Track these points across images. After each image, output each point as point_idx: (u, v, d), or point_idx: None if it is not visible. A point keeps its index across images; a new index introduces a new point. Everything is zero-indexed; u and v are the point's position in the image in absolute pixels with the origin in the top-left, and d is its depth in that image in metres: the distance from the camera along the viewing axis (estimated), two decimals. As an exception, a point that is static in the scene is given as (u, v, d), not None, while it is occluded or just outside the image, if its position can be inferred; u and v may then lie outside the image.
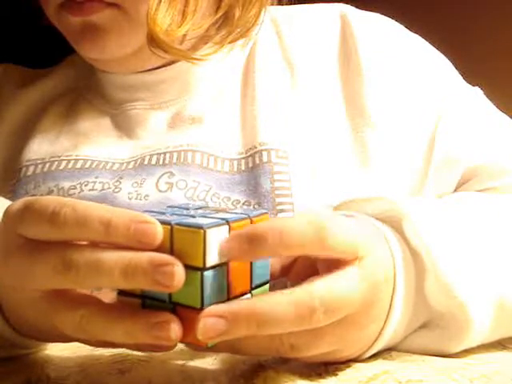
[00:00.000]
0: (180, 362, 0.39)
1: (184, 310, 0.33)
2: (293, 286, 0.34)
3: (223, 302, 0.33)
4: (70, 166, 0.60)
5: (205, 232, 0.32)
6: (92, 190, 0.58)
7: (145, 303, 0.34)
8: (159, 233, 0.32)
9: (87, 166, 0.60)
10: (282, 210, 0.54)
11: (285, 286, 0.35)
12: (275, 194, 0.55)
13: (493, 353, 0.42)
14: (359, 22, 0.63)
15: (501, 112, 0.64)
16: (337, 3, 0.66)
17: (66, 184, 0.58)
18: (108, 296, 0.35)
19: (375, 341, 0.38)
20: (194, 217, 0.34)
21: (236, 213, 0.35)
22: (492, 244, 0.43)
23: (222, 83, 0.62)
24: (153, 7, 0.54)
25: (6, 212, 0.36)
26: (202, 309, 0.32)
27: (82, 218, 0.32)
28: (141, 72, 0.62)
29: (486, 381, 0.36)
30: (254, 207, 0.54)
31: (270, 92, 0.60)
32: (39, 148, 0.63)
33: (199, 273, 0.32)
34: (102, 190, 0.57)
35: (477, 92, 0.63)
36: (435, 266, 0.39)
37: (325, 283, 0.34)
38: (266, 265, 0.37)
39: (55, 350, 0.42)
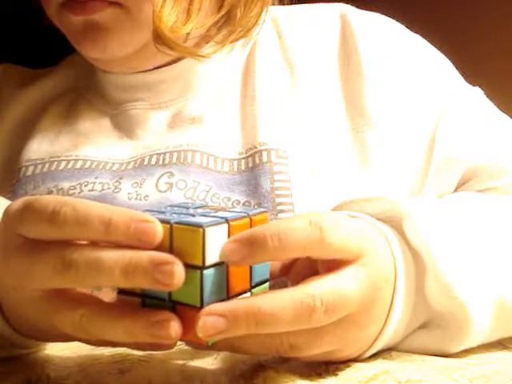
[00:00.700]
0: (180, 362, 0.39)
1: (184, 309, 0.33)
2: (293, 285, 0.34)
3: (223, 300, 0.33)
4: (69, 166, 0.60)
5: (204, 230, 0.32)
6: (92, 190, 0.58)
7: (145, 302, 0.34)
8: (159, 231, 0.32)
9: (87, 166, 0.60)
10: (282, 210, 0.54)
11: (285, 286, 0.35)
12: (275, 194, 0.55)
13: (493, 353, 0.42)
14: (359, 21, 0.63)
15: (501, 112, 0.64)
16: (337, 3, 0.66)
17: (66, 184, 0.58)
18: (108, 295, 0.35)
19: (375, 340, 0.38)
20: (193, 216, 0.34)
21: (235, 211, 0.35)
22: (492, 244, 0.43)
23: (222, 83, 0.62)
24: (158, 5, 0.54)
25: (6, 212, 0.36)
26: (201, 307, 0.32)
27: (82, 217, 0.32)
28: (141, 72, 0.62)
29: (486, 381, 0.36)
30: (254, 207, 0.54)
31: (270, 92, 0.60)
32: (39, 148, 0.63)
33: (199, 271, 0.32)
34: (102, 190, 0.57)
35: (477, 92, 0.63)
36: (435, 266, 0.39)
37: (325, 283, 0.34)
38: (266, 263, 0.37)
39: (55, 350, 0.42)
